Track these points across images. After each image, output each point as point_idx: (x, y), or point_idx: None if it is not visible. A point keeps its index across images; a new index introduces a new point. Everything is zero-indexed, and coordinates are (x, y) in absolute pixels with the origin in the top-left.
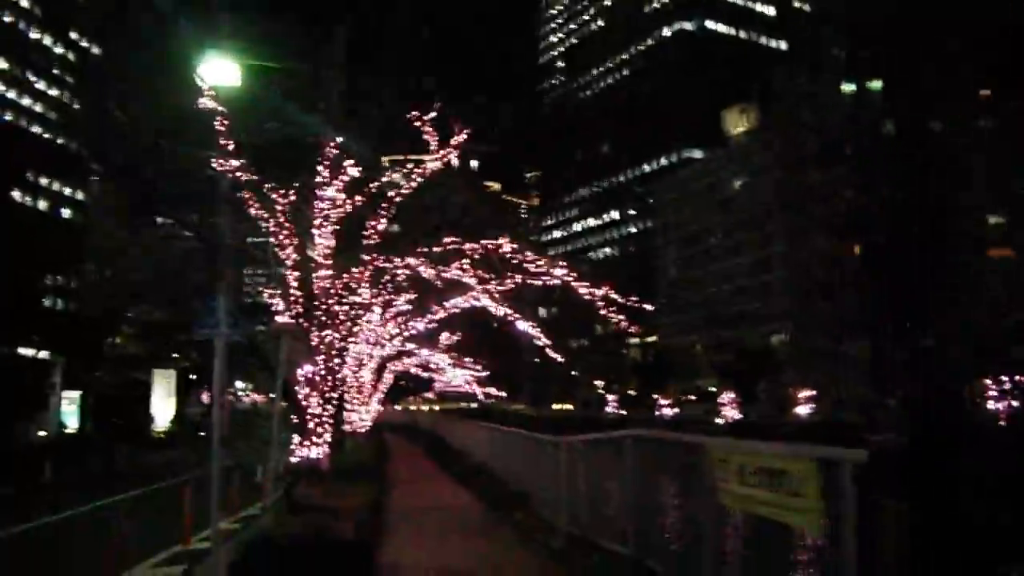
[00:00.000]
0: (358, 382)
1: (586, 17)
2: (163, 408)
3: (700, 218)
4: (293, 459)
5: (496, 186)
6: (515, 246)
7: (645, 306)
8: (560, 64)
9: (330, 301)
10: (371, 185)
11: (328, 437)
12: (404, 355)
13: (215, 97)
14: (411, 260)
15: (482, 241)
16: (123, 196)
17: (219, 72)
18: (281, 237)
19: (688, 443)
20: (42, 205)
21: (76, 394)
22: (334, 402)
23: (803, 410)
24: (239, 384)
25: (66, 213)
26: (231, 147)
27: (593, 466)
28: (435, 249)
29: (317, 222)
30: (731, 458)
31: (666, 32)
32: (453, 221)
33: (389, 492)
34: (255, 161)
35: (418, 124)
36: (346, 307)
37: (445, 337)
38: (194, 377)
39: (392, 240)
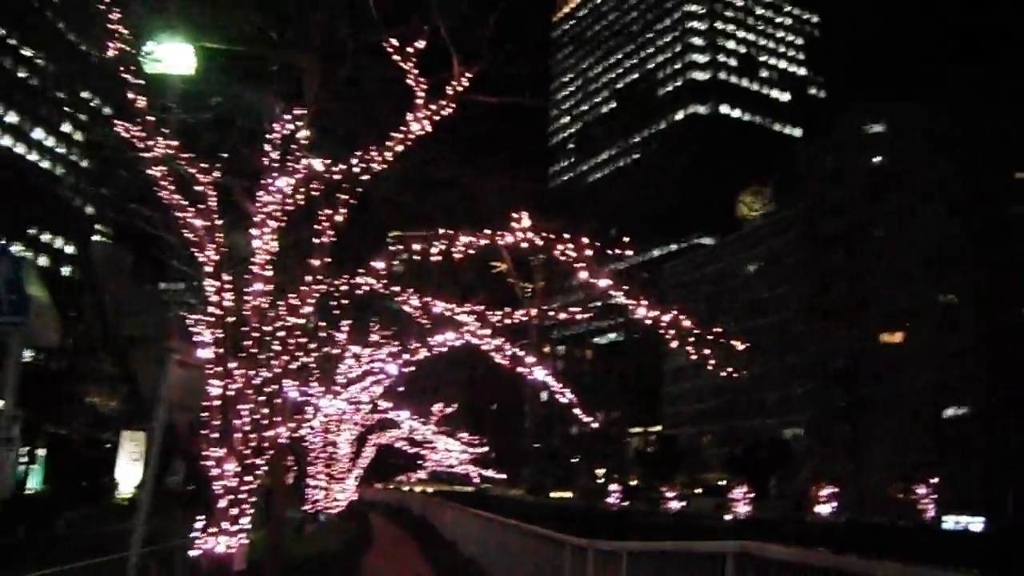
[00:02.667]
0: (327, 452)
1: (597, 100)
2: (129, 472)
3: (711, 303)
4: (193, 552)
5: (503, 266)
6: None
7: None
8: (570, 146)
9: (266, 328)
10: (332, 170)
11: (246, 522)
12: (386, 425)
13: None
14: (371, 279)
15: (486, 231)
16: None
17: (172, 57)
18: (199, 231)
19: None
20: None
21: (41, 452)
22: (258, 471)
23: (824, 508)
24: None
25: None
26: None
27: None
28: (414, 247)
29: (258, 219)
30: None
31: (679, 116)
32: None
33: None
34: (188, 141)
35: (398, 59)
36: (286, 335)
37: (437, 408)
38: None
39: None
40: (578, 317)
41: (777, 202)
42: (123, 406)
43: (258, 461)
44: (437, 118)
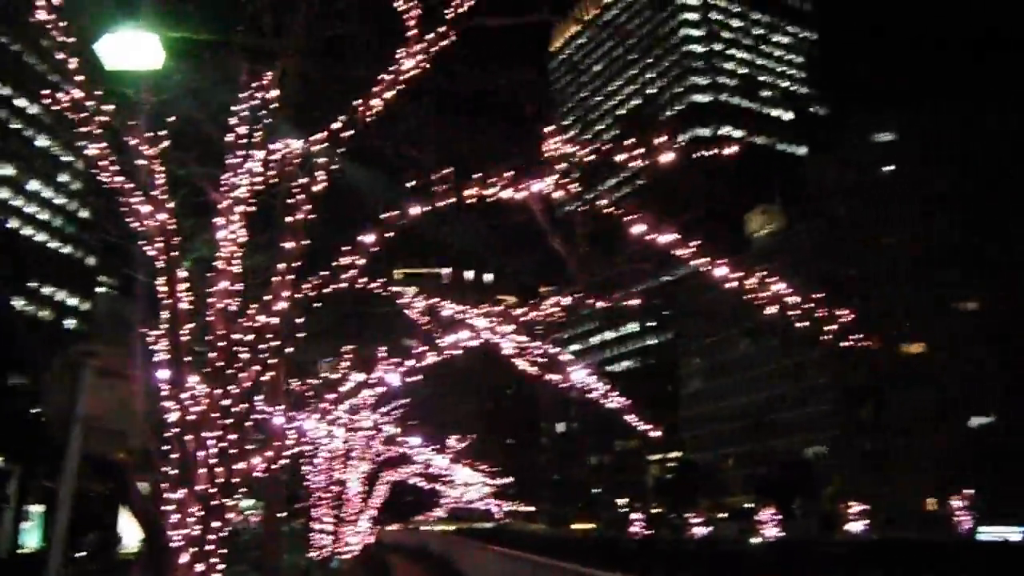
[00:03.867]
0: (332, 491)
1: (600, 127)
2: (134, 526)
3: (725, 325)
4: None
5: (511, 299)
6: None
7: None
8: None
9: (234, 336)
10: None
11: None
12: (399, 461)
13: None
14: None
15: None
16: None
17: (133, 51)
18: (145, 218)
19: None
20: (44, 314)
21: (40, 508)
22: (228, 515)
23: (855, 526)
24: (245, 501)
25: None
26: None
27: None
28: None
29: (224, 204)
30: None
31: (680, 139)
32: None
33: None
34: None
35: None
36: (255, 340)
37: (454, 439)
38: None
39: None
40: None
41: (785, 219)
42: (127, 455)
43: (227, 501)
44: (433, 51)
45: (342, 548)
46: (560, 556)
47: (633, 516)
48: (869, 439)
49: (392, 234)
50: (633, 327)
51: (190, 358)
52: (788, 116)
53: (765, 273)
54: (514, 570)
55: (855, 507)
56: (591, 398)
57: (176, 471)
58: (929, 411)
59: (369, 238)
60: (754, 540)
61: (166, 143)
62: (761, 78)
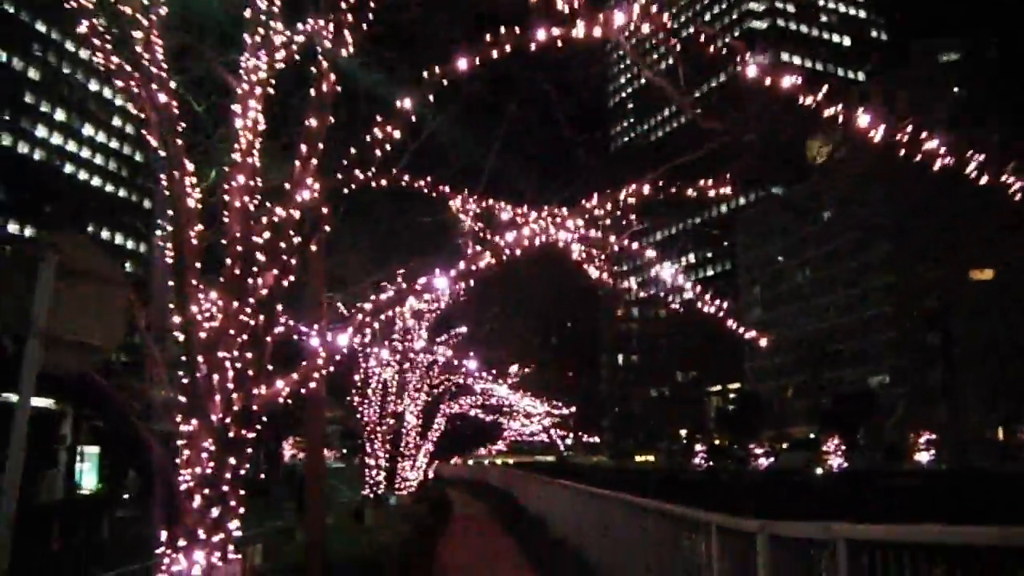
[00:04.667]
0: (385, 424)
1: (655, 56)
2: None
3: (787, 253)
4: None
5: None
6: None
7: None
8: (630, 106)
9: (254, 239)
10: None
11: (235, 527)
12: (458, 392)
13: None
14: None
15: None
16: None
17: None
18: (143, 96)
19: None
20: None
21: (95, 449)
22: (247, 449)
23: (923, 456)
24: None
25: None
26: None
27: None
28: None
29: (241, 90)
30: None
31: (738, 67)
32: None
33: None
34: None
35: None
36: (275, 239)
37: (514, 370)
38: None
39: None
40: None
41: (847, 146)
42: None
43: (246, 434)
44: None
45: (399, 484)
46: (623, 489)
47: (696, 448)
48: (935, 369)
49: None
50: (691, 259)
51: (200, 264)
52: (847, 42)
53: None
54: (580, 504)
55: (923, 437)
56: (653, 330)
57: (186, 399)
58: (999, 338)
59: (407, 102)
60: (819, 471)
61: (164, 9)
62: (820, 2)
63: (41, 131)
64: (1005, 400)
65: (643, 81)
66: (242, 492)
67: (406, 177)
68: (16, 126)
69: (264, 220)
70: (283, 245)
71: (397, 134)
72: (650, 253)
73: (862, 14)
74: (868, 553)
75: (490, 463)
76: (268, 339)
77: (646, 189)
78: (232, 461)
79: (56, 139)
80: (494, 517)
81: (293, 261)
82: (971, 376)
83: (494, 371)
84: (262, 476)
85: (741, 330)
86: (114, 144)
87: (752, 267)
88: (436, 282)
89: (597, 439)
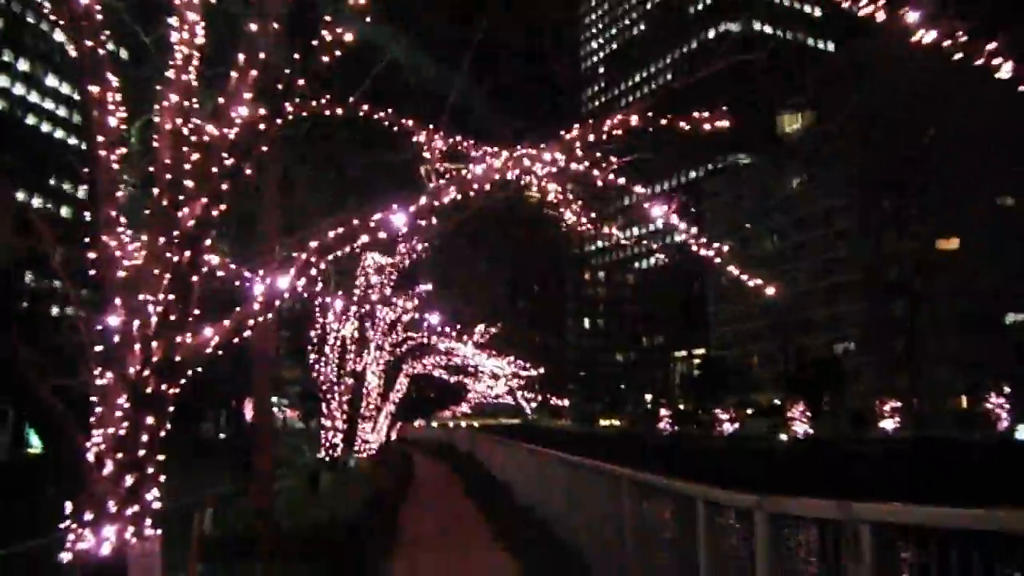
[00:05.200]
0: (343, 384)
1: (627, 21)
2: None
3: (755, 220)
4: (65, 555)
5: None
6: None
7: None
8: (601, 70)
9: (189, 162)
10: None
11: (153, 497)
12: (421, 351)
13: None
14: None
15: None
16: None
17: None
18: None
19: None
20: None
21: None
22: (168, 407)
23: (888, 424)
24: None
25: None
26: None
27: None
28: None
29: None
30: None
31: (710, 34)
32: None
33: None
34: None
35: None
36: (204, 159)
37: (479, 329)
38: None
39: None
40: None
41: (817, 116)
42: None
43: (167, 390)
44: None
45: (359, 446)
46: (588, 453)
47: (661, 413)
48: (900, 337)
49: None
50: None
51: (123, 192)
52: (817, 12)
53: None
54: (549, 472)
55: (888, 404)
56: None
57: (100, 347)
58: (964, 309)
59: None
60: (783, 437)
61: None
62: None
63: (2, 80)
64: (968, 369)
65: (615, 46)
66: (161, 457)
67: (365, 107)
68: None
69: (195, 139)
70: (215, 170)
71: (349, 37)
72: (639, 189)
73: None
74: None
75: (454, 426)
76: (195, 279)
77: (634, 120)
78: (150, 420)
79: (19, 89)
80: (458, 483)
81: (225, 187)
82: (935, 345)
83: (459, 329)
84: (221, 436)
85: (745, 277)
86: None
87: (719, 234)
88: (393, 218)
89: (566, 402)
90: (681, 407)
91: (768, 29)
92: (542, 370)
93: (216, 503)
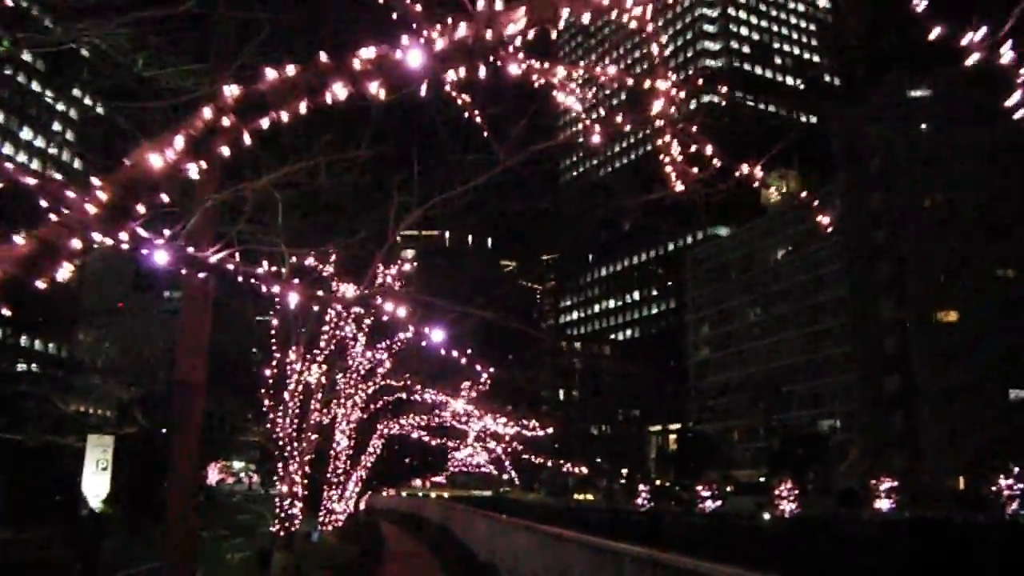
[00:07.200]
0: (309, 441)
1: (607, 92)
2: (96, 483)
3: (736, 292)
4: None
5: (512, 264)
6: None
7: None
8: (579, 140)
9: None
10: None
11: None
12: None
13: None
14: None
15: None
16: None
17: None
18: None
19: None
20: None
21: None
22: None
23: (884, 504)
24: (237, 463)
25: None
26: None
27: None
28: None
29: None
30: None
31: (692, 105)
32: None
33: None
34: None
35: None
36: None
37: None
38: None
39: None
40: None
41: (802, 185)
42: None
43: None
44: None
45: (324, 517)
46: (567, 528)
47: (640, 488)
48: (895, 412)
49: None
50: (636, 295)
51: None
52: (799, 84)
53: None
54: (533, 544)
55: (885, 483)
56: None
57: None
58: (963, 384)
59: None
60: (766, 516)
61: None
62: (775, 46)
63: None
64: (966, 448)
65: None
66: None
67: None
68: None
69: None
70: None
71: None
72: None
73: (815, 59)
74: None
75: (424, 496)
76: None
77: None
78: None
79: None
80: (435, 562)
81: None
82: (932, 422)
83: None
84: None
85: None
86: (52, 150)
87: (701, 306)
88: (408, 57)
89: (585, 470)
90: (658, 482)
91: (751, 102)
92: (550, 430)
93: None
